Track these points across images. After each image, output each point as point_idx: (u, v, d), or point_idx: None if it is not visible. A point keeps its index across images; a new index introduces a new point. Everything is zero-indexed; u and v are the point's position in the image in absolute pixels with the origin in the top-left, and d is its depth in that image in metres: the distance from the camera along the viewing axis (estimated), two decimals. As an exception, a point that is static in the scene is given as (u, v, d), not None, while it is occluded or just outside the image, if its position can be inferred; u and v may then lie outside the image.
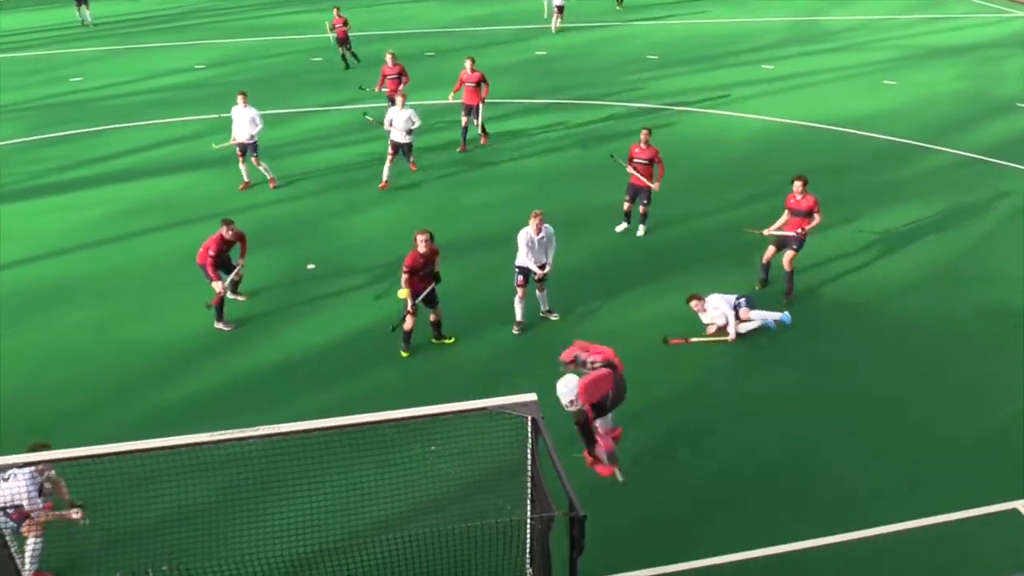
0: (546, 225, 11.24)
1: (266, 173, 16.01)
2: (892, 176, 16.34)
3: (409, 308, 10.72)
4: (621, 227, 14.08)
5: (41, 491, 7.30)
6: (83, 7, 29.08)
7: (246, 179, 16.01)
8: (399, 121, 15.54)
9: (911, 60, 24.17)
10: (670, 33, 27.31)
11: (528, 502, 6.98)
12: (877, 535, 8.18)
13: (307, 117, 19.83)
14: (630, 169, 13.62)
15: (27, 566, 7.13)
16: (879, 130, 18.60)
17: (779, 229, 11.91)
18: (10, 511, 7.23)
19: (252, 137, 15.58)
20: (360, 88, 19.31)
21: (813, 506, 8.57)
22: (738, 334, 11.19)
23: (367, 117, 18.09)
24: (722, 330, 11.26)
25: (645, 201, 13.72)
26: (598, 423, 8.49)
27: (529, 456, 6.78)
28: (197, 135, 17.90)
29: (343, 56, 23.35)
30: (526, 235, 11.14)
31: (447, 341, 11.21)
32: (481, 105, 17.45)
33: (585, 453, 8.67)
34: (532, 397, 6.63)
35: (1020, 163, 16.86)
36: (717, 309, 11.20)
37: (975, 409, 9.96)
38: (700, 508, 8.57)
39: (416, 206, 15.20)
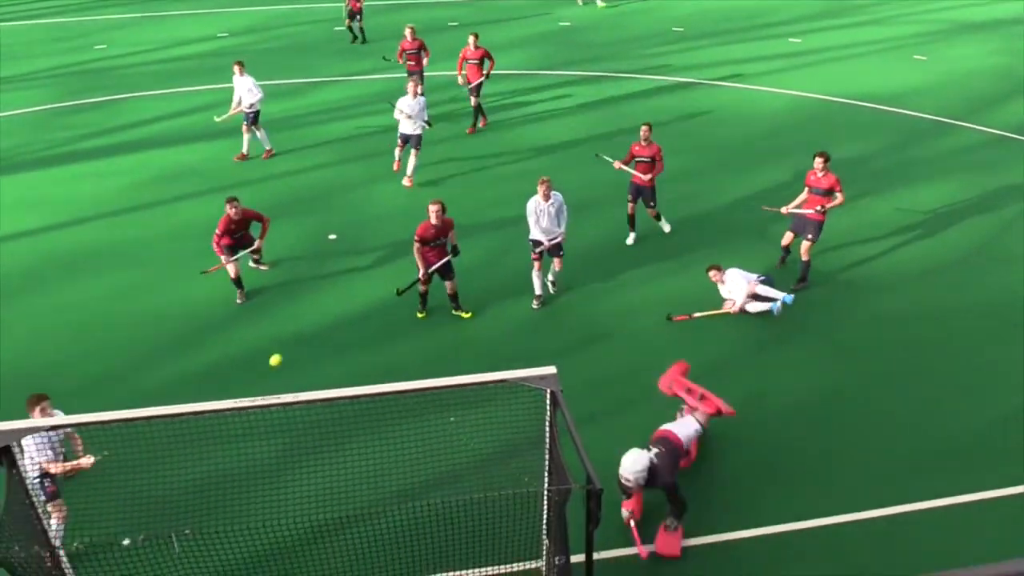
0: (555, 192, 11.15)
1: (264, 143, 16.01)
2: (919, 154, 16.09)
3: (420, 276, 10.79)
4: (631, 238, 13.10)
5: (54, 452, 7.34)
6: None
7: (244, 151, 16.01)
8: (408, 110, 14.61)
9: (943, 35, 23.65)
10: (696, 5, 26.84)
11: (545, 474, 7.05)
12: (883, 515, 8.22)
13: (330, 86, 19.81)
14: (620, 166, 12.84)
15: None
16: (908, 106, 18.29)
17: (798, 207, 11.72)
18: (46, 483, 7.33)
19: (252, 106, 15.57)
20: (384, 59, 19.19)
21: (816, 484, 8.60)
22: (743, 311, 11.16)
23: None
24: (731, 304, 11.27)
25: (652, 203, 12.84)
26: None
27: (547, 429, 6.84)
28: (221, 104, 17.91)
29: (350, 29, 22.85)
30: (534, 203, 11.10)
31: (464, 315, 11.27)
32: (483, 81, 16.83)
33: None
34: (551, 370, 6.67)
35: (1052, 142, 16.56)
36: (736, 284, 11.17)
37: (1000, 392, 9.88)
38: (711, 486, 8.63)
39: (436, 178, 15.20)
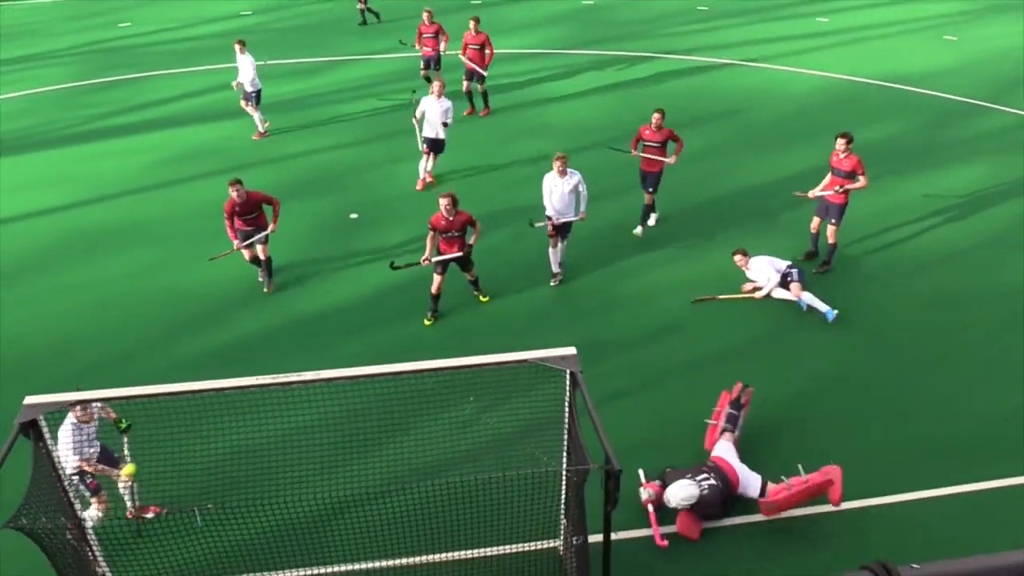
0: (574, 171, 11.05)
1: (258, 124, 15.99)
2: (949, 136, 15.81)
3: (421, 261, 10.58)
4: (639, 229, 12.66)
5: (90, 442, 7.36)
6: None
7: (261, 129, 16.05)
8: (433, 114, 13.51)
9: (974, 14, 23.15)
10: (722, -17, 26.50)
11: (564, 454, 7.05)
12: (904, 500, 8.15)
13: (352, 65, 19.78)
14: (635, 152, 12.37)
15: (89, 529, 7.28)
16: (938, 87, 17.94)
17: (823, 190, 11.53)
18: (87, 479, 7.41)
19: (254, 83, 15.55)
20: (400, 42, 18.93)
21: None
22: (768, 295, 11.05)
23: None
24: (757, 289, 11.15)
25: (651, 189, 12.37)
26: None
27: (566, 409, 6.83)
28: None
29: (361, 11, 22.57)
30: (549, 178, 11.03)
31: (482, 298, 11.21)
32: (484, 75, 16.48)
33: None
34: (571, 351, 6.66)
35: (1086, 125, 16.20)
36: (761, 271, 11.05)
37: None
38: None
39: (458, 160, 15.13)
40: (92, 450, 7.48)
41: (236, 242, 11.12)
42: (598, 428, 6.11)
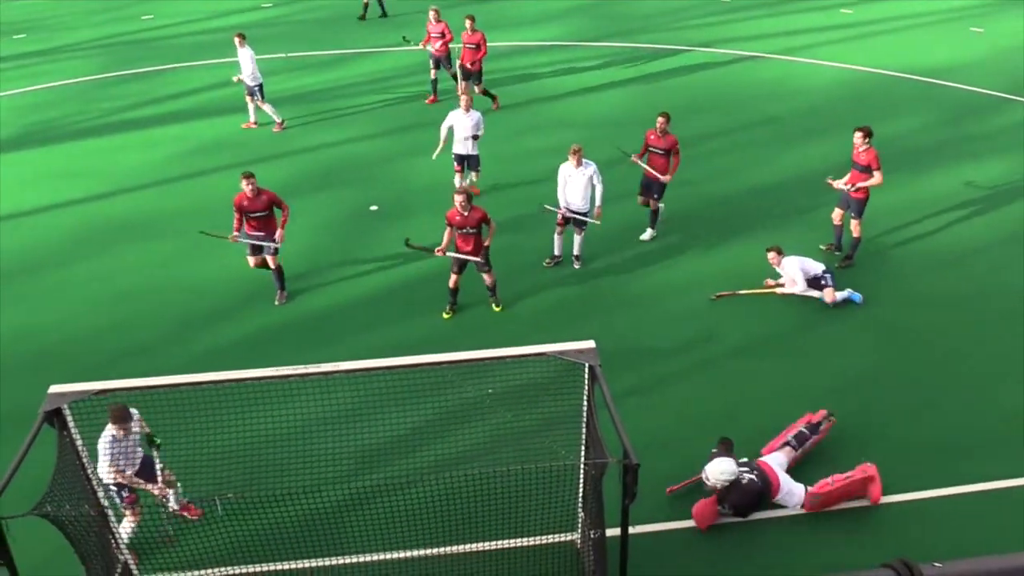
0: (589, 162, 11.08)
1: (273, 116, 16.04)
2: (974, 130, 15.58)
3: (437, 251, 10.57)
4: (647, 234, 12.33)
5: (126, 455, 7.34)
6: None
7: (279, 120, 16.09)
8: (462, 129, 12.85)
9: (1000, 6, 22.74)
10: (744, -26, 26.24)
11: (582, 448, 7.05)
12: (928, 497, 8.07)
13: (373, 57, 19.77)
14: (636, 161, 11.97)
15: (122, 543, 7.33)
16: (963, 80, 17.68)
17: (845, 184, 11.37)
18: (124, 493, 7.42)
19: (255, 77, 15.59)
20: (404, 39, 18.62)
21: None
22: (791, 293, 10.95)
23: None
24: (779, 286, 11.06)
25: (656, 195, 11.99)
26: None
27: (585, 403, 6.82)
28: (264, 75, 18.03)
29: (365, 4, 22.14)
30: (564, 168, 11.13)
31: (495, 308, 10.97)
32: (478, 72, 16.24)
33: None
34: (590, 344, 6.66)
35: (1115, 118, 15.91)
36: (788, 273, 10.90)
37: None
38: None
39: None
40: (128, 463, 7.43)
41: (237, 235, 10.85)
42: (616, 422, 6.10)
